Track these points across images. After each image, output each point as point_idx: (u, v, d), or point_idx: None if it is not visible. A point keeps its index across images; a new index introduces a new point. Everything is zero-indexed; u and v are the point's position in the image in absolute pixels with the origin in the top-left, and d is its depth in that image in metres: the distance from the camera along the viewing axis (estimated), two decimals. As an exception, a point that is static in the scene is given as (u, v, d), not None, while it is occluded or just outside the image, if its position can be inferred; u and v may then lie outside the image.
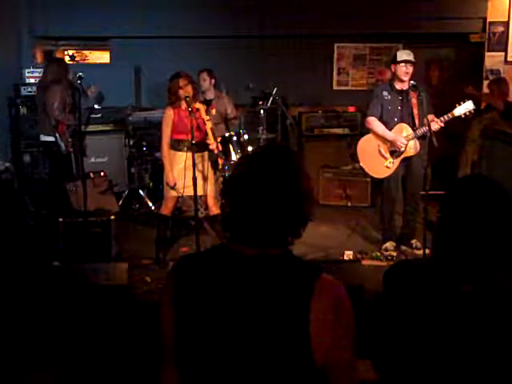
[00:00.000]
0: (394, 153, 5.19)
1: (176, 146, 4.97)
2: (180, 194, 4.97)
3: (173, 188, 4.94)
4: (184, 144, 4.91)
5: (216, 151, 5.02)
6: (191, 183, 4.67)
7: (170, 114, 4.94)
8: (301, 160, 1.54)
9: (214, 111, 5.37)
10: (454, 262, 1.57)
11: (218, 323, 1.42)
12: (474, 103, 4.98)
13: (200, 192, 4.93)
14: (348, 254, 5.16)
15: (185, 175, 4.87)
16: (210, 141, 4.96)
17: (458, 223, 1.59)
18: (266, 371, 1.38)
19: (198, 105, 4.92)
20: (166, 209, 5.11)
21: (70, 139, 5.86)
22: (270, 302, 1.39)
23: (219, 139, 5.22)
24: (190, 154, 4.69)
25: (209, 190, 5.09)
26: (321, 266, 1.47)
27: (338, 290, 1.42)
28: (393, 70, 5.19)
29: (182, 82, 4.83)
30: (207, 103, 5.09)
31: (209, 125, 4.91)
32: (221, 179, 5.93)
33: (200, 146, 4.90)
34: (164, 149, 5.00)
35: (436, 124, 4.87)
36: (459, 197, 1.62)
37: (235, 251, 1.46)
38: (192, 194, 4.74)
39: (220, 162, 5.09)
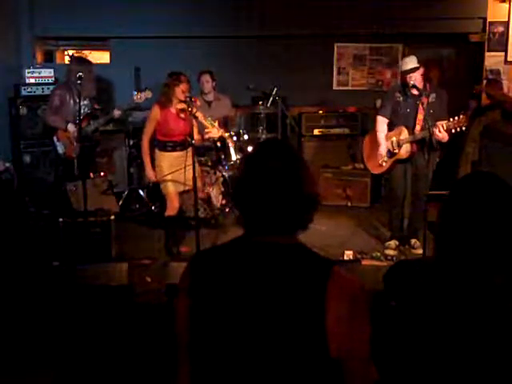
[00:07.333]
0: (389, 153, 5.25)
1: (161, 147, 5.06)
2: (180, 190, 5.04)
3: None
4: (168, 145, 5.00)
5: (223, 135, 5.09)
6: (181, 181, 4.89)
7: (156, 113, 5.01)
8: (297, 150, 1.66)
9: (197, 102, 5.31)
10: (457, 261, 1.57)
11: (232, 313, 1.45)
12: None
13: (183, 187, 5.02)
14: (348, 254, 5.15)
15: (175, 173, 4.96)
16: (209, 128, 4.97)
17: (460, 222, 1.58)
18: (280, 361, 1.40)
19: (180, 105, 4.94)
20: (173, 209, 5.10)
21: (75, 143, 5.54)
22: (285, 291, 1.42)
23: (219, 143, 5.27)
24: (175, 153, 4.96)
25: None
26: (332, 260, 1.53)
27: (353, 282, 1.46)
28: (408, 79, 4.98)
29: (183, 78, 4.92)
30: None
31: (200, 116, 4.93)
32: (221, 179, 5.92)
33: (183, 145, 5.01)
34: (144, 144, 5.07)
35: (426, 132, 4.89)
36: (461, 195, 1.61)
37: (251, 241, 1.51)
38: (181, 189, 4.99)
39: (231, 144, 5.15)
